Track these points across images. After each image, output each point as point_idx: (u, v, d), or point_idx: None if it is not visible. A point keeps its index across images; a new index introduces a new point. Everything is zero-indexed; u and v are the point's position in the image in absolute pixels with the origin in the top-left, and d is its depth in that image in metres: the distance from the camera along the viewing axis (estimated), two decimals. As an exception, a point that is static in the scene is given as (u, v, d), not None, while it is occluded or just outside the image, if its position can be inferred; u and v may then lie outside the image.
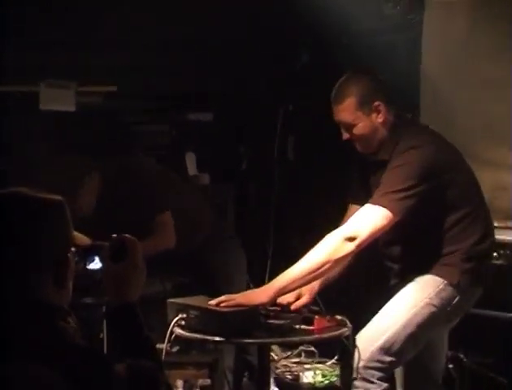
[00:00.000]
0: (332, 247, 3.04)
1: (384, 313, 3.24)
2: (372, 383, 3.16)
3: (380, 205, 3.07)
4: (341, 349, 3.15)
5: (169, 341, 2.94)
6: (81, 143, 4.81)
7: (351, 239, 3.04)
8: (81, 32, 4.94)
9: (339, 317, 3.09)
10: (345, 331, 3.01)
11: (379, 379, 3.17)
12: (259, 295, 3.01)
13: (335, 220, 3.49)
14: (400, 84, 4.47)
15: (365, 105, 3.24)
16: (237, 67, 5.35)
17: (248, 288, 4.11)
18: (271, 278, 3.15)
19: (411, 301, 3.21)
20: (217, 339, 2.92)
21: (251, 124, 5.53)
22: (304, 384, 4.29)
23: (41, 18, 4.85)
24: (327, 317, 3.08)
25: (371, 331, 3.20)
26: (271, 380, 3.61)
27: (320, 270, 3.02)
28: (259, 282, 3.60)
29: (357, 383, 3.15)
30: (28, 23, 4.85)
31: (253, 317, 2.96)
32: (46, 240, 1.95)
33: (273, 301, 3.03)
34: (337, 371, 4.35)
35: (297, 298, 3.19)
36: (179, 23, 5.08)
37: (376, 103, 3.25)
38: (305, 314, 3.09)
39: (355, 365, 3.10)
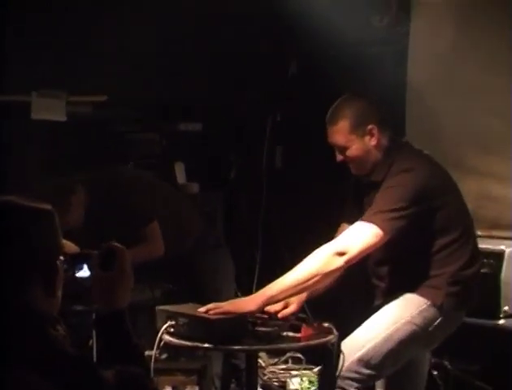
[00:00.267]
0: (322, 261, 3.04)
1: (366, 326, 3.24)
2: None
3: (372, 223, 3.07)
4: (323, 356, 3.14)
5: (158, 348, 2.93)
6: (72, 153, 4.81)
7: (341, 254, 3.03)
8: (73, 43, 4.93)
9: (326, 324, 3.08)
10: (332, 338, 3.00)
11: (356, 388, 3.15)
12: (248, 303, 3.00)
13: (322, 228, 3.49)
14: (387, 95, 4.48)
15: (358, 128, 3.24)
16: (226, 78, 5.35)
17: (236, 296, 4.11)
18: (259, 286, 3.14)
19: (393, 318, 3.20)
20: (205, 346, 2.91)
21: (240, 134, 5.53)
22: (291, 391, 4.29)
23: (34, 29, 4.85)
24: (314, 324, 3.08)
25: (351, 343, 3.19)
26: (259, 387, 3.59)
27: (309, 283, 3.01)
28: (247, 290, 3.59)
29: None
30: (22, 34, 4.84)
31: (241, 324, 2.95)
32: (35, 248, 1.94)
33: (261, 310, 3.02)
34: (324, 378, 4.36)
35: (285, 307, 3.18)
36: (169, 35, 5.09)
37: (370, 126, 3.25)
38: (293, 322, 3.08)
39: (338, 371, 3.09)
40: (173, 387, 3.73)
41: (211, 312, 2.94)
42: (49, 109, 4.95)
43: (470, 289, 3.27)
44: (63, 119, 4.99)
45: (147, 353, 3.16)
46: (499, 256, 3.70)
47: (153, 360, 2.88)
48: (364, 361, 3.15)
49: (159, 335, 2.93)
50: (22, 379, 1.75)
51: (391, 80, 4.62)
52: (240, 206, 5.51)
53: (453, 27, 4.47)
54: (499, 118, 4.21)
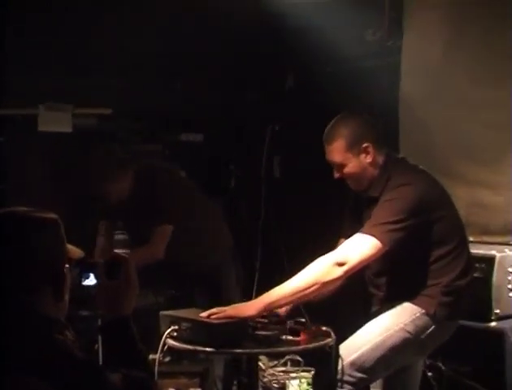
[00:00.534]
0: (322, 270, 3.03)
1: (361, 332, 3.24)
2: None
3: (371, 235, 3.06)
4: (321, 359, 3.14)
5: (162, 352, 2.93)
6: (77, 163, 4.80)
7: (341, 264, 3.03)
8: (78, 56, 4.94)
9: (324, 328, 3.08)
10: (330, 341, 3.00)
11: None
12: (248, 308, 3.00)
13: (319, 234, 3.50)
14: (380, 107, 4.50)
15: (354, 146, 3.24)
16: (226, 91, 5.36)
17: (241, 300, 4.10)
18: (259, 291, 3.14)
19: (387, 325, 3.20)
20: (208, 349, 2.90)
21: (240, 144, 5.54)
22: (290, 392, 4.28)
23: (38, 43, 4.84)
24: (313, 328, 3.07)
25: (346, 348, 3.18)
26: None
27: (308, 291, 3.01)
28: (247, 294, 3.58)
29: None
30: (26, 48, 4.83)
31: (242, 328, 2.95)
32: (44, 255, 1.95)
33: (261, 315, 3.02)
34: (322, 379, 4.35)
35: None
36: (172, 49, 5.09)
37: (365, 145, 3.25)
38: (292, 326, 3.08)
39: (339, 375, 3.09)
40: (176, 390, 3.73)
41: (213, 317, 2.94)
42: (55, 121, 4.96)
43: (462, 299, 3.26)
44: (69, 130, 5.00)
45: (151, 356, 3.16)
46: (490, 261, 3.70)
47: (157, 363, 2.88)
48: (357, 365, 3.15)
49: (163, 339, 2.93)
50: (31, 382, 1.74)
51: (384, 92, 4.62)
52: (240, 214, 5.51)
53: (444, 41, 4.48)
54: (488, 129, 4.22)
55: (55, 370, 1.78)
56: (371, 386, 3.35)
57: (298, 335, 3.00)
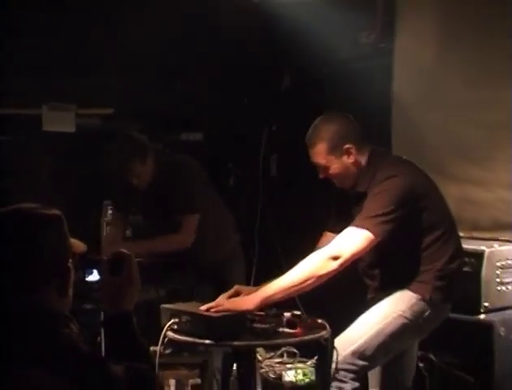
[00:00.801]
0: (317, 264, 3.05)
1: (360, 322, 3.26)
2: (345, 382, 3.16)
3: (363, 228, 3.08)
4: (319, 351, 3.15)
5: (162, 344, 2.93)
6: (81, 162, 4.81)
7: (335, 258, 3.04)
8: (80, 57, 4.93)
9: (319, 320, 3.09)
10: (325, 333, 3.01)
11: (352, 379, 3.17)
12: (246, 302, 3.01)
13: (313, 230, 3.50)
14: (374, 107, 4.50)
15: (335, 149, 3.26)
16: (225, 92, 5.36)
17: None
18: (256, 283, 3.15)
19: (385, 313, 3.23)
20: (207, 342, 2.91)
21: (238, 144, 5.54)
22: (286, 382, 4.28)
23: (41, 43, 4.83)
24: (309, 321, 3.08)
25: (346, 337, 3.21)
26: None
27: (304, 285, 3.02)
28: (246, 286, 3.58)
29: (332, 383, 3.15)
30: (29, 49, 4.80)
31: (240, 321, 2.96)
32: (48, 252, 1.95)
33: (259, 308, 3.03)
34: (317, 370, 4.35)
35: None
36: (171, 50, 5.09)
37: (346, 146, 3.26)
38: (289, 319, 3.09)
39: (334, 365, 3.10)
40: (177, 381, 3.73)
41: (212, 310, 2.95)
42: (59, 121, 4.96)
43: (455, 282, 3.30)
44: (72, 130, 5.00)
45: (152, 348, 3.17)
46: (480, 256, 3.71)
47: (158, 355, 2.89)
48: (358, 353, 3.17)
49: (164, 331, 2.94)
50: (38, 376, 1.75)
51: (378, 93, 4.62)
52: (239, 211, 5.51)
53: (436, 42, 4.48)
54: (478, 129, 4.22)
55: (61, 363, 1.79)
56: (369, 372, 3.37)
57: (294, 328, 3.01)
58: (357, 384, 3.18)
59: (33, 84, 4.86)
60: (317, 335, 3.00)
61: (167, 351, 3.40)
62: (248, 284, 3.92)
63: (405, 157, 3.38)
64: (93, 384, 1.79)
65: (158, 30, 4.96)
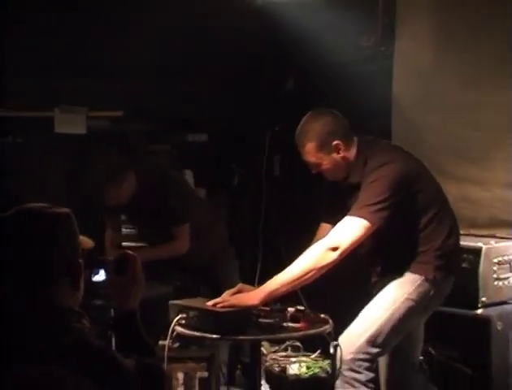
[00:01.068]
0: (317, 256, 3.05)
1: (369, 310, 3.25)
2: (360, 373, 3.16)
3: (359, 217, 3.08)
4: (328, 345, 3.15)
5: (171, 338, 2.95)
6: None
7: (334, 248, 3.04)
8: (91, 62, 4.94)
9: (322, 315, 3.09)
10: (327, 328, 3.02)
11: (366, 368, 3.17)
12: (251, 297, 3.01)
13: (315, 228, 3.51)
14: (374, 109, 4.50)
15: (324, 146, 3.25)
16: (229, 94, 5.37)
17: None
18: (261, 281, 3.15)
19: (392, 298, 3.22)
20: (214, 336, 2.92)
21: (242, 144, 5.55)
22: (290, 375, 4.29)
23: (54, 47, 4.83)
24: (312, 315, 3.09)
25: (358, 327, 3.21)
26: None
27: (306, 277, 3.02)
28: (250, 285, 3.58)
29: (346, 373, 3.14)
30: (42, 53, 4.80)
31: (245, 316, 2.96)
32: (61, 248, 1.96)
33: (263, 303, 3.03)
34: (320, 364, 4.36)
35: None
36: (178, 53, 5.09)
37: (335, 143, 3.25)
38: (292, 313, 3.09)
39: (338, 357, 3.10)
40: (185, 374, 3.73)
41: (219, 305, 2.96)
42: (70, 123, 4.96)
43: (454, 257, 3.32)
44: (83, 131, 5.00)
45: (161, 342, 3.18)
46: (477, 252, 3.71)
47: (166, 349, 2.90)
48: (371, 342, 3.16)
49: (172, 326, 2.95)
50: (52, 370, 1.75)
51: (378, 95, 4.62)
52: (243, 210, 5.52)
53: (434, 46, 4.47)
54: (476, 130, 4.22)
55: (74, 357, 1.79)
56: None
57: (298, 323, 3.02)
58: (372, 375, 3.18)
59: (45, 87, 4.86)
60: (320, 329, 3.01)
61: (176, 345, 3.41)
62: (253, 279, 3.93)
63: (393, 143, 3.36)
64: (105, 378, 1.80)
65: (162, 33, 4.96)
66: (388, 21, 4.74)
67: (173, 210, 4.15)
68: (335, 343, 3.07)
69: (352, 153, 3.29)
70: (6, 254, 1.92)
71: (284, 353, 4.55)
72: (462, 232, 3.49)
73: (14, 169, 4.86)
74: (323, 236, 3.18)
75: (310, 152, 3.26)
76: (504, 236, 3.97)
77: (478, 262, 3.69)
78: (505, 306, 3.74)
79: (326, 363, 4.32)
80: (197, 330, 2.93)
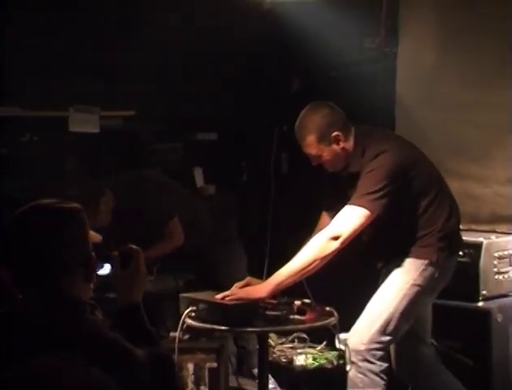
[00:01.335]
0: (319, 246, 3.05)
1: (377, 300, 3.25)
2: (374, 363, 3.16)
3: (359, 206, 3.08)
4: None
5: (181, 330, 2.96)
6: (104, 161, 4.83)
7: (335, 238, 3.05)
8: (103, 63, 4.95)
9: (327, 308, 3.10)
10: (333, 320, 3.02)
11: (380, 358, 3.16)
12: (259, 290, 3.02)
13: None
14: (378, 109, 4.49)
15: (324, 138, 3.24)
16: (238, 94, 5.37)
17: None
18: (269, 274, 3.16)
19: (399, 286, 3.22)
20: (222, 328, 2.93)
21: (250, 143, 5.55)
22: (297, 366, 4.31)
23: (68, 51, 4.84)
24: (318, 308, 3.09)
25: (368, 318, 3.21)
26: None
27: (310, 267, 3.03)
28: (258, 278, 3.60)
29: (360, 363, 3.15)
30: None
31: (253, 309, 2.97)
32: (75, 242, 1.97)
33: (270, 296, 3.04)
34: (326, 355, 4.37)
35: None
36: (190, 56, 5.10)
37: (334, 134, 3.24)
38: (299, 306, 3.10)
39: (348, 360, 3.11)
40: (195, 364, 3.75)
41: (227, 298, 2.97)
42: (84, 122, 4.97)
43: (455, 237, 3.31)
44: (97, 130, 5.01)
45: (172, 334, 3.19)
46: (478, 247, 3.71)
47: (177, 340, 2.92)
48: (383, 331, 3.17)
49: (182, 318, 2.97)
50: (63, 360, 1.75)
51: (382, 95, 4.61)
52: (252, 206, 5.53)
53: (436, 47, 4.46)
54: (477, 129, 4.22)
55: (87, 349, 1.80)
56: None
57: (304, 315, 3.02)
58: (385, 365, 3.18)
59: (60, 88, 4.87)
60: (325, 321, 3.02)
61: (186, 337, 3.42)
62: (261, 272, 3.94)
63: (388, 131, 3.36)
64: (118, 368, 1.80)
65: (176, 34, 4.96)
66: (391, 23, 4.73)
67: (159, 208, 4.15)
68: (340, 335, 3.08)
69: (350, 143, 3.29)
70: (21, 248, 1.93)
71: (290, 345, 4.56)
72: (463, 228, 3.49)
73: (30, 166, 4.87)
74: (324, 227, 3.18)
75: (311, 144, 3.25)
76: (504, 231, 3.97)
77: (479, 257, 3.69)
78: (505, 299, 3.74)
79: (331, 354, 4.34)
80: (207, 322, 2.95)
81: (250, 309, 2.96)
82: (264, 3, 4.80)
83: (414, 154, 3.31)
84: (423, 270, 3.21)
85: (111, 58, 4.93)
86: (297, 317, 3.03)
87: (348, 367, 3.16)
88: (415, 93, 4.54)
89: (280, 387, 4.24)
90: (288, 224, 5.18)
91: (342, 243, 3.05)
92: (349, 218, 3.08)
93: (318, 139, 3.23)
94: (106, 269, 2.11)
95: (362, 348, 3.14)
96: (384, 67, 4.70)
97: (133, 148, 5.26)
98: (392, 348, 3.34)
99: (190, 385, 3.72)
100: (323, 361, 4.30)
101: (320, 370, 4.26)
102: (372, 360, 3.15)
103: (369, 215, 3.08)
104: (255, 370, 4.14)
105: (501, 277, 3.75)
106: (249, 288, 3.09)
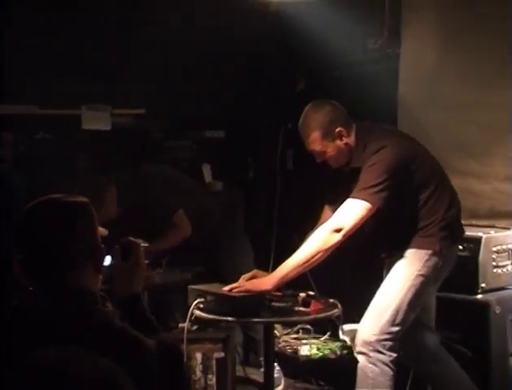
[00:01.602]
0: (322, 239, 3.05)
1: (384, 291, 3.25)
2: (384, 354, 3.16)
3: (360, 199, 3.08)
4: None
5: (190, 321, 2.96)
6: (115, 158, 4.83)
7: (338, 230, 3.05)
8: (115, 63, 4.95)
9: (331, 300, 3.10)
10: (336, 312, 3.02)
11: (390, 348, 3.16)
12: (265, 283, 3.02)
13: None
14: (381, 109, 4.48)
15: (328, 134, 3.23)
16: (245, 93, 5.37)
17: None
18: (275, 268, 3.16)
19: (404, 277, 3.22)
20: (230, 319, 2.93)
21: (257, 140, 5.55)
22: (301, 357, 4.32)
23: (80, 52, 4.85)
24: (322, 300, 3.09)
25: (376, 310, 3.21)
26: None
27: (313, 260, 3.03)
28: (264, 271, 3.60)
29: (371, 353, 3.15)
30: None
31: (259, 301, 2.98)
32: (85, 234, 1.96)
33: (276, 288, 3.04)
34: (329, 345, 4.37)
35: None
36: (195, 56, 5.10)
37: (337, 130, 3.24)
38: (304, 298, 3.10)
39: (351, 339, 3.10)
40: (203, 354, 3.75)
41: (234, 290, 2.98)
42: (96, 120, 4.98)
43: (457, 226, 3.31)
44: (108, 128, 5.02)
45: (181, 325, 3.19)
46: (477, 241, 3.70)
47: (185, 331, 2.93)
48: (392, 321, 3.16)
49: (191, 309, 2.97)
50: (74, 351, 1.75)
51: (384, 95, 4.61)
52: (258, 201, 5.53)
53: (437, 46, 4.45)
54: (477, 127, 4.21)
55: (98, 339, 1.79)
56: None
57: (309, 307, 3.03)
58: (394, 355, 3.18)
59: (72, 87, 4.87)
60: (329, 313, 3.02)
61: (194, 327, 3.43)
62: (267, 265, 3.94)
63: (388, 126, 3.37)
64: (130, 359, 1.80)
65: (189, 35, 4.96)
66: (394, 24, 4.72)
67: (163, 203, 4.15)
68: (344, 326, 3.08)
69: (352, 139, 3.29)
70: (32, 242, 1.93)
71: (295, 336, 4.57)
72: (463, 223, 3.49)
73: (43, 163, 4.88)
74: (326, 220, 3.18)
75: (315, 141, 3.24)
76: (503, 226, 3.96)
77: (478, 251, 3.69)
78: (504, 292, 3.73)
79: (335, 345, 4.34)
80: (215, 313, 2.95)
81: (257, 301, 2.96)
82: (271, 4, 4.80)
83: (415, 148, 3.31)
84: (427, 260, 3.21)
85: (124, 58, 4.94)
86: (301, 308, 3.03)
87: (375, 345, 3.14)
88: (417, 93, 4.53)
89: (285, 376, 4.25)
90: (294, 219, 5.18)
91: (344, 235, 3.05)
92: (351, 211, 3.08)
93: (322, 135, 3.23)
94: (106, 261, 2.12)
95: (373, 339, 3.15)
96: (386, 67, 4.69)
97: (144, 145, 5.26)
98: None
99: (198, 374, 3.73)
100: (326, 352, 4.31)
101: (324, 359, 4.27)
102: (382, 350, 3.15)
103: (370, 208, 3.08)
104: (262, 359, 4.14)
105: (499, 270, 3.74)
106: (255, 280, 3.09)
